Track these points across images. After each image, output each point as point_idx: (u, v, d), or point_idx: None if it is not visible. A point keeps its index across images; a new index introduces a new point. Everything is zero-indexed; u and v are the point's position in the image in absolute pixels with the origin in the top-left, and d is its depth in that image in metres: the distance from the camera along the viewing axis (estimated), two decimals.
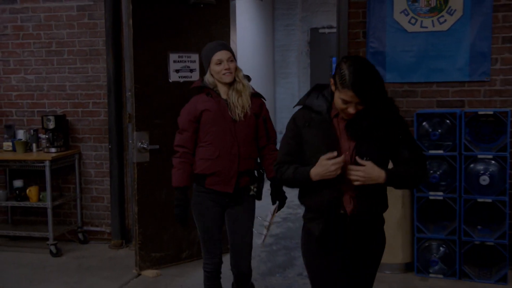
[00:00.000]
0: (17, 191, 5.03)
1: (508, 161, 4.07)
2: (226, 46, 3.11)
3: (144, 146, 4.34)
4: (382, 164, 2.23)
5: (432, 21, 4.44)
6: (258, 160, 3.22)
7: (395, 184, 2.26)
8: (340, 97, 2.16)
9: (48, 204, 4.84)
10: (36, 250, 5.05)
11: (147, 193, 4.41)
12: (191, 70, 4.58)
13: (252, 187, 3.14)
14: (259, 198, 3.21)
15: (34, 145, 5.07)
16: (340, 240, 2.33)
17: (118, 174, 5.11)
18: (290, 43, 8.96)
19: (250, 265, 3.21)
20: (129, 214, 5.15)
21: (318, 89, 2.39)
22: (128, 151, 5.05)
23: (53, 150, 4.98)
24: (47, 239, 4.91)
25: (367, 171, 2.16)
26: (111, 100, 5.04)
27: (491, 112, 4.12)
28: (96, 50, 5.11)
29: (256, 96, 3.16)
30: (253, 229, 3.22)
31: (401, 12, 4.49)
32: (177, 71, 4.51)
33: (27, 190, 4.99)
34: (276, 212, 3.13)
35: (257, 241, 3.24)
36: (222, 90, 3.10)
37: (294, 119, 2.38)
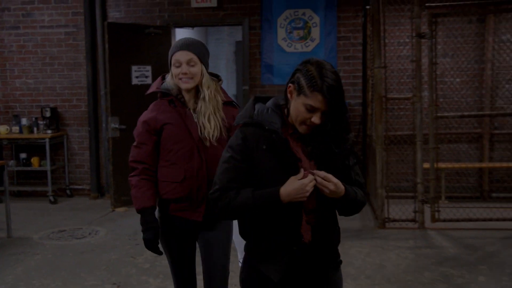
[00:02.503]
0: (23, 161, 7.23)
1: None
2: (189, 46, 2.55)
3: (116, 126, 6.65)
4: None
5: (301, 45, 6.98)
6: None
7: (347, 202, 1.96)
8: (304, 104, 1.86)
9: (48, 168, 7.08)
10: (37, 200, 7.27)
11: (118, 157, 6.71)
12: (146, 77, 6.91)
13: None
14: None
15: (35, 129, 7.27)
16: (301, 279, 2.00)
17: (95, 148, 7.38)
18: (219, 53, 11.40)
19: None
20: (103, 176, 7.42)
21: (261, 101, 2.07)
22: (102, 132, 7.33)
23: (49, 131, 7.19)
24: (45, 194, 7.14)
25: (338, 184, 1.89)
26: (90, 97, 7.31)
27: None
28: (79, 63, 7.36)
29: (228, 105, 2.66)
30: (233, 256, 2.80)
31: (282, 39, 7.01)
32: (136, 77, 6.84)
33: (32, 159, 7.20)
34: None
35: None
36: (187, 97, 2.60)
37: (243, 139, 1.97)
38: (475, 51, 6.79)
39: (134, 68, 6.80)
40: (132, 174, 2.61)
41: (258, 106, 2.03)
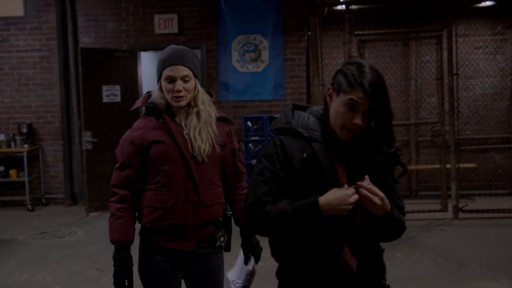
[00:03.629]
0: (2, 173, 7.92)
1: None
2: (183, 59, 2.31)
3: (89, 139, 7.44)
4: None
5: (253, 66, 7.97)
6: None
7: (391, 222, 1.76)
8: (344, 102, 1.71)
9: (26, 178, 7.79)
10: (15, 209, 7.95)
11: (91, 167, 7.49)
12: (115, 95, 7.74)
13: (218, 236, 2.40)
14: (228, 250, 2.48)
15: (12, 143, 7.97)
16: None
17: (68, 160, 8.14)
18: None
19: None
20: (76, 185, 8.16)
21: (300, 109, 1.92)
22: (75, 145, 8.09)
23: (26, 146, 7.90)
24: (23, 203, 7.84)
25: (384, 199, 1.71)
26: (63, 114, 8.08)
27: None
28: (52, 83, 8.13)
29: (221, 121, 2.46)
30: None
31: (236, 61, 7.99)
32: (107, 96, 7.66)
33: (10, 171, 7.89)
34: (254, 273, 2.52)
35: None
36: (176, 112, 2.38)
37: (280, 147, 1.80)
38: (401, 70, 7.93)
39: (104, 87, 7.62)
40: (112, 199, 2.37)
41: (297, 113, 1.88)
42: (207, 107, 2.38)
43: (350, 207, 1.69)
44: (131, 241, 2.37)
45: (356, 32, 6.62)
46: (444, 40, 6.59)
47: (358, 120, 1.72)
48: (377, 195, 1.71)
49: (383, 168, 1.80)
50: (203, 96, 2.39)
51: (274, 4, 7.84)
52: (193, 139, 2.33)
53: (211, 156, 2.36)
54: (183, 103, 2.33)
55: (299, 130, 1.82)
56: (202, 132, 2.34)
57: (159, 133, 2.35)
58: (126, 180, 2.37)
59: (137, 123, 2.43)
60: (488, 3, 7.20)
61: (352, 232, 1.78)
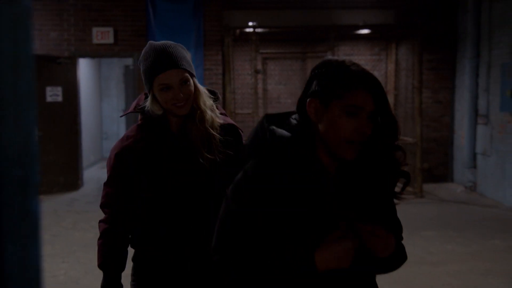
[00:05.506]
0: None
1: None
2: (176, 60, 1.91)
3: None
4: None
5: None
6: None
7: (393, 260, 1.46)
8: (343, 109, 1.34)
9: None
10: None
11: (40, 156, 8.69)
12: (57, 95, 8.98)
13: None
14: None
15: None
16: None
17: None
18: (111, 74, 13.55)
19: None
20: None
21: (275, 120, 1.48)
22: None
23: None
24: None
25: (388, 240, 1.38)
26: None
27: None
28: None
29: (227, 129, 2.05)
30: None
31: None
32: (50, 96, 8.89)
33: None
34: None
35: None
36: (173, 121, 2.01)
37: (254, 179, 1.40)
38: (300, 81, 9.69)
39: (48, 88, 8.85)
40: (101, 219, 2.06)
41: (273, 129, 1.44)
42: (209, 110, 2.01)
43: (350, 259, 1.34)
44: (123, 269, 2.06)
45: (261, 51, 8.29)
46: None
47: (367, 127, 1.36)
48: (381, 237, 1.36)
49: (383, 181, 1.45)
50: (204, 97, 2.01)
51: (196, 23, 9.37)
52: (195, 149, 1.99)
53: (214, 165, 1.98)
54: (186, 109, 1.96)
55: (280, 152, 1.41)
56: (205, 140, 1.99)
57: (154, 144, 2.04)
58: (115, 198, 2.04)
59: (129, 132, 2.09)
60: (365, 31, 9.09)
61: (344, 274, 1.40)
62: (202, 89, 2.03)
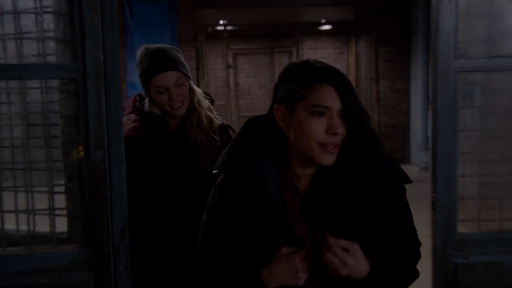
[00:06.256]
0: None
1: None
2: (170, 62, 1.98)
3: None
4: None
5: None
6: None
7: (377, 284, 1.29)
8: (308, 110, 1.26)
9: None
10: None
11: None
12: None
13: None
14: None
15: None
16: None
17: None
18: None
19: None
20: None
21: (257, 124, 1.41)
22: None
23: None
24: None
25: (358, 256, 1.24)
26: None
27: None
28: None
29: (223, 129, 2.11)
30: None
31: None
32: None
33: None
34: None
35: None
36: (172, 122, 2.06)
37: (219, 196, 1.39)
38: (269, 74, 10.45)
39: None
40: None
41: (246, 139, 1.37)
42: (205, 111, 2.07)
43: (302, 281, 1.26)
44: None
45: (231, 47, 9.01)
46: (294, 53, 9.17)
47: (339, 127, 1.25)
48: (345, 265, 1.21)
49: (376, 192, 1.29)
50: (199, 98, 2.08)
51: (171, 21, 10.01)
52: (192, 152, 2.03)
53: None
54: (183, 110, 2.01)
55: (244, 168, 1.35)
56: (203, 142, 2.04)
57: (155, 142, 2.06)
58: None
59: (125, 132, 1.98)
60: (328, 27, 9.89)
61: None
62: (198, 90, 2.09)
